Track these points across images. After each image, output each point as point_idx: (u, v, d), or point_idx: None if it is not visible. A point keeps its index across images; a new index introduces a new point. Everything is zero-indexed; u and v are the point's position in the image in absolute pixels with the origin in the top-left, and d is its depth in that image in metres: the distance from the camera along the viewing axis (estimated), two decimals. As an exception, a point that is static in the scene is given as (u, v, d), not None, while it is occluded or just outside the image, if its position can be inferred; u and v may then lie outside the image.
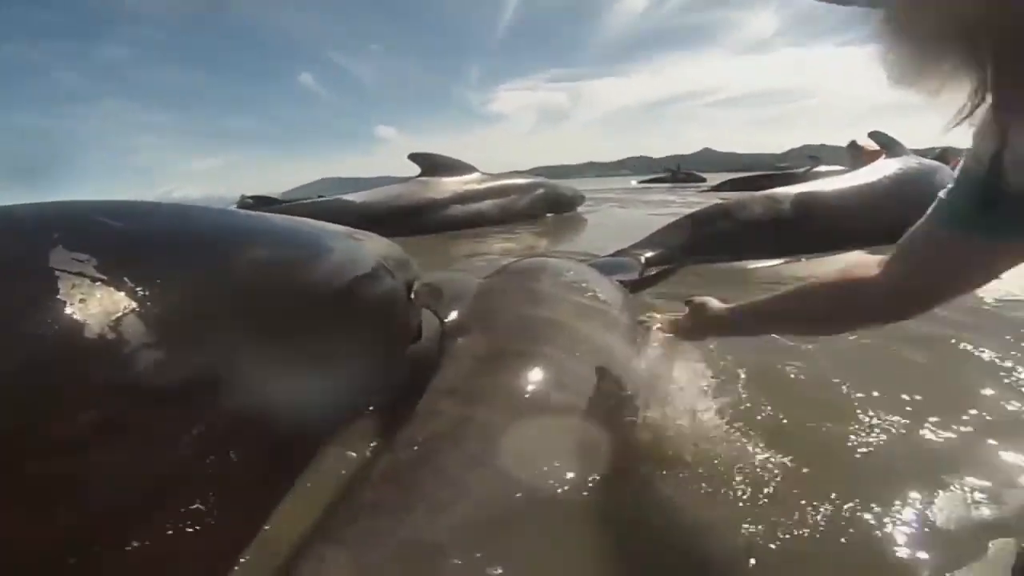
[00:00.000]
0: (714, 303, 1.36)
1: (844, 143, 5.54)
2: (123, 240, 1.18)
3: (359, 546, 0.96)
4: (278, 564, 1.02)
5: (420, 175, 7.47)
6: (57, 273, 0.97)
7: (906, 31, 0.53)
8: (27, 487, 0.83)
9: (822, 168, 10.30)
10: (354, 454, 1.40)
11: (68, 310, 0.93)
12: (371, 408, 1.60)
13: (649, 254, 3.43)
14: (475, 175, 7.52)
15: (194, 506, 1.02)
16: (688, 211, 4.09)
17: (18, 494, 0.82)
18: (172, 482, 1.00)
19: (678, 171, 19.80)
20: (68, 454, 0.87)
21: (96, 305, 0.96)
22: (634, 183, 17.30)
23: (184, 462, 1.02)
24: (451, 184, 7.17)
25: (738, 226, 3.75)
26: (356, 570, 0.93)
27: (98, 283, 1.00)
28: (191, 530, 0.99)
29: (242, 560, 1.07)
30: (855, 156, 5.05)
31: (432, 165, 7.56)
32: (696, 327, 1.41)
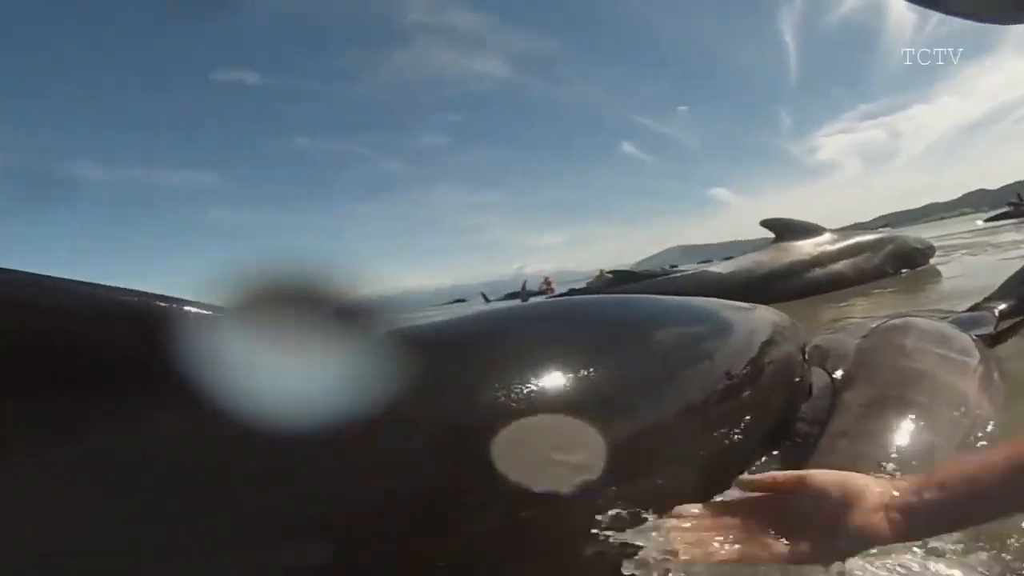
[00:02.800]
0: (874, 490, 0.77)
1: None
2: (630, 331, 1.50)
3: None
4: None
5: (775, 240, 7.91)
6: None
7: None
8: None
9: None
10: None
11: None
12: (776, 453, 1.74)
13: (1002, 306, 3.34)
14: (827, 236, 7.78)
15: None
16: None
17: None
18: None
19: (1021, 203, 17.10)
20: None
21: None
22: (979, 224, 15.42)
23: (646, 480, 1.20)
24: (806, 247, 7.50)
25: None
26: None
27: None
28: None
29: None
30: None
31: (785, 229, 7.97)
32: (827, 541, 0.77)
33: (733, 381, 1.61)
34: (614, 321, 1.62)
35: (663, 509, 1.05)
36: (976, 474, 0.73)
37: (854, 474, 0.82)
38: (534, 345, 1.27)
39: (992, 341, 2.67)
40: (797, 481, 0.83)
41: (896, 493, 0.75)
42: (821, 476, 0.81)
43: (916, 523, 0.74)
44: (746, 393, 1.65)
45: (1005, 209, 17.89)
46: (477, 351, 1.22)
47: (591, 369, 1.23)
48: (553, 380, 1.16)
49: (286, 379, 0.85)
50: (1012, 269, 3.91)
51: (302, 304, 0.92)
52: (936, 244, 8.54)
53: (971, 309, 3.51)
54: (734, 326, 1.85)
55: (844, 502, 0.76)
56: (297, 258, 0.98)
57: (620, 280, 9.11)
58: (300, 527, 0.85)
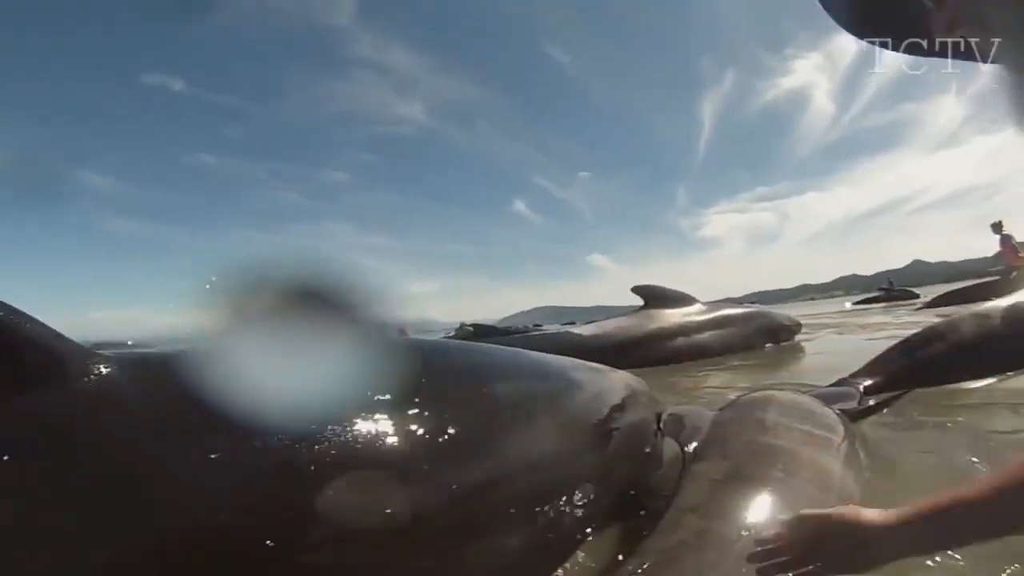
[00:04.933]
0: (867, 514, 0.94)
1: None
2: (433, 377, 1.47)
3: None
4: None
5: (643, 307, 7.76)
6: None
7: None
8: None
9: None
10: (608, 558, 1.57)
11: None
12: (623, 519, 1.76)
13: (868, 382, 3.52)
14: (696, 306, 7.70)
15: None
16: (904, 333, 4.10)
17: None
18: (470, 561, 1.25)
19: (891, 288, 18.85)
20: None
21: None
22: (848, 306, 16.49)
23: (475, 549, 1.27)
24: (674, 316, 7.39)
25: (952, 348, 3.72)
26: None
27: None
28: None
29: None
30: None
31: (654, 296, 7.83)
32: (849, 559, 0.94)
33: (576, 444, 1.62)
34: (458, 367, 1.62)
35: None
36: (965, 495, 0.87)
37: (854, 507, 0.99)
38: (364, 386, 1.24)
39: (856, 416, 2.71)
40: (822, 518, 0.99)
41: (894, 515, 0.91)
42: (836, 512, 0.98)
43: (915, 538, 0.90)
44: (589, 457, 1.66)
45: (876, 294, 19.22)
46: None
47: (415, 417, 1.26)
48: (371, 427, 1.19)
49: None
50: (877, 349, 4.08)
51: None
52: (805, 322, 8.74)
53: (836, 384, 3.63)
54: (584, 386, 1.83)
55: (851, 528, 0.93)
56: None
57: (480, 335, 9.08)
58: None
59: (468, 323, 10.76)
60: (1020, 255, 11.55)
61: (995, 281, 10.16)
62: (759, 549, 1.02)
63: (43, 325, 1.05)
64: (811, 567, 0.94)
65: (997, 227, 11.99)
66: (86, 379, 1.06)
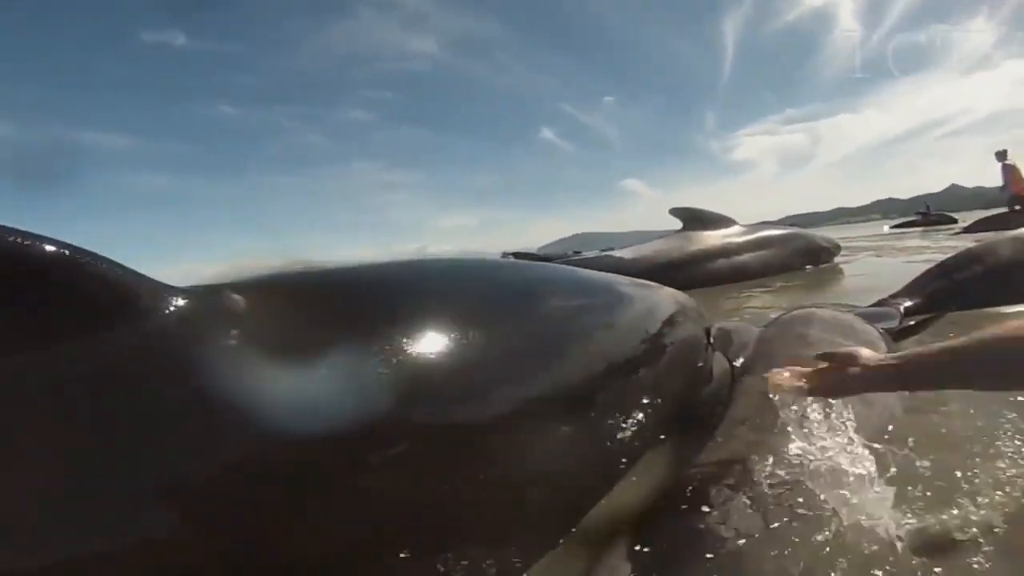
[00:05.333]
0: (866, 353, 1.21)
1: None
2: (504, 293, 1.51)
3: (663, 544, 1.15)
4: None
5: (682, 229, 7.74)
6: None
7: None
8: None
9: None
10: (666, 470, 1.60)
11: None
12: (679, 433, 1.76)
13: (908, 303, 3.57)
14: (735, 228, 7.68)
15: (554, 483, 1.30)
16: (942, 257, 4.12)
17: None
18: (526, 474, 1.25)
19: (928, 212, 18.23)
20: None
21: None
22: (886, 229, 16.09)
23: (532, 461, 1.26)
24: (713, 238, 7.37)
25: (989, 271, 3.72)
26: (657, 561, 1.11)
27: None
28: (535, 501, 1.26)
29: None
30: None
31: (693, 218, 7.79)
32: (846, 380, 1.20)
33: (632, 358, 1.63)
34: (511, 284, 1.62)
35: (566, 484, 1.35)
36: (955, 345, 1.09)
37: (858, 347, 1.27)
38: (426, 303, 1.29)
39: (897, 336, 2.71)
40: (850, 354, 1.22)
41: (881, 357, 1.20)
42: (842, 348, 1.27)
43: (905, 371, 1.13)
44: (645, 371, 1.67)
45: (913, 218, 18.73)
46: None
47: (483, 332, 1.26)
48: (441, 342, 1.19)
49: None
50: (915, 272, 4.10)
51: None
52: (843, 245, 8.67)
53: (876, 304, 3.67)
54: (636, 301, 1.84)
55: (846, 357, 1.21)
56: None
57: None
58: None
59: (509, 252, 10.69)
60: None
61: None
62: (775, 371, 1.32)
63: (112, 262, 0.95)
64: (808, 387, 1.24)
65: (1001, 155, 11.70)
66: (164, 313, 0.98)
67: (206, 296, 1.07)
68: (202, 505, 0.90)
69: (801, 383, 1.25)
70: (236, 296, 1.11)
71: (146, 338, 0.95)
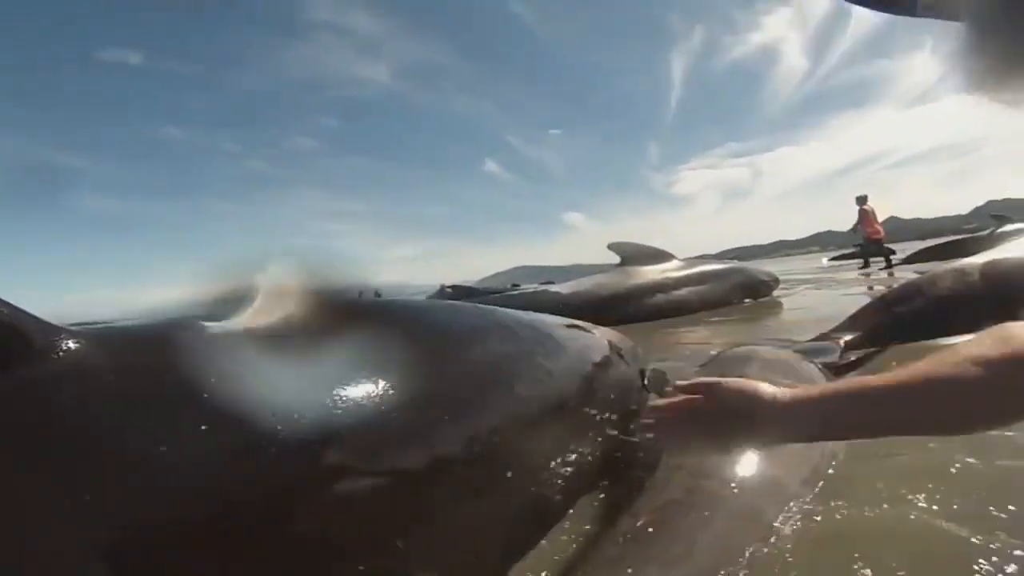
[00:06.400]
0: (763, 387, 0.93)
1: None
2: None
3: None
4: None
5: (620, 264, 7.78)
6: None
7: (989, 41, 0.51)
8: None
9: (1008, 228, 10.36)
10: (599, 519, 1.56)
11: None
12: (612, 479, 1.75)
13: (848, 337, 3.53)
14: (673, 263, 7.71)
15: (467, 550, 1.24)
16: (881, 288, 4.13)
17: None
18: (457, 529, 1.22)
19: (867, 245, 19.08)
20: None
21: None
22: (825, 261, 16.64)
23: (466, 515, 1.24)
24: (652, 273, 7.40)
25: (931, 304, 3.71)
26: None
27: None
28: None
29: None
30: None
31: (631, 254, 7.84)
32: (735, 434, 0.95)
33: (562, 403, 1.61)
34: (436, 327, 1.58)
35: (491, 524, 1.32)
36: (864, 384, 0.85)
37: (751, 381, 0.96)
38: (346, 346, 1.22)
39: (837, 371, 2.69)
40: (709, 385, 0.98)
41: (785, 393, 0.89)
42: (727, 382, 0.96)
43: (808, 420, 0.86)
44: (576, 417, 1.64)
45: (852, 250, 19.36)
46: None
47: (393, 379, 1.20)
48: (359, 387, 1.14)
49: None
50: (855, 304, 4.11)
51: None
52: (782, 278, 8.78)
53: (817, 339, 3.64)
54: (567, 344, 1.81)
55: (745, 403, 0.91)
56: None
57: (460, 296, 8.98)
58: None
59: (447, 285, 10.56)
60: (876, 226, 12.78)
61: (967, 239, 10.56)
62: (651, 410, 1.09)
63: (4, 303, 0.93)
64: (693, 431, 1.00)
65: (861, 200, 12.92)
66: (54, 356, 0.96)
67: (97, 339, 1.04)
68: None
69: (686, 437, 1.04)
70: (127, 342, 1.10)
71: (34, 382, 0.92)
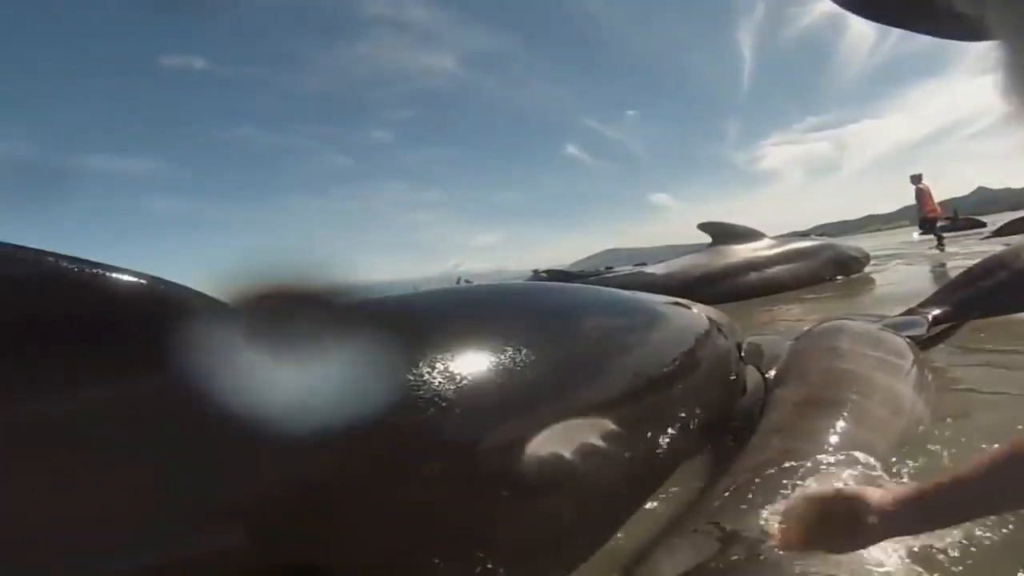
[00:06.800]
0: (869, 492, 0.97)
1: None
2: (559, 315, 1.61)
3: (702, 542, 1.21)
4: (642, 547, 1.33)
5: (711, 244, 7.80)
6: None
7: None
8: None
9: None
10: (702, 479, 1.67)
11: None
12: (715, 442, 1.86)
13: (936, 311, 3.50)
14: (765, 241, 7.74)
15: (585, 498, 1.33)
16: (971, 262, 4.07)
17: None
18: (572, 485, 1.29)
19: (956, 218, 18.04)
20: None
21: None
22: (915, 236, 16.02)
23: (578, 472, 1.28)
24: (743, 252, 7.44)
25: (1016, 276, 3.63)
26: (697, 556, 1.16)
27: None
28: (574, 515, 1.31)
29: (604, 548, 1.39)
30: None
31: (722, 233, 7.86)
32: (860, 535, 0.96)
33: (669, 374, 1.69)
34: (553, 307, 1.67)
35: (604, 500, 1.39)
36: (962, 475, 0.90)
37: (858, 487, 1.09)
38: (472, 326, 1.36)
39: (925, 344, 2.77)
40: (833, 495, 1.05)
41: (894, 495, 0.94)
42: (845, 490, 1.07)
43: (912, 518, 0.93)
44: (682, 387, 1.72)
45: (941, 223, 18.54)
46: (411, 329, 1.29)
47: (525, 353, 1.29)
48: (486, 364, 1.24)
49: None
50: (943, 279, 4.24)
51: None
52: (873, 254, 8.64)
53: (905, 314, 3.62)
54: (671, 320, 1.91)
55: (853, 505, 0.95)
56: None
57: (554, 279, 9.05)
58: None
59: (541, 270, 10.48)
60: (933, 203, 12.25)
61: None
62: (768, 542, 1.09)
63: (138, 274, 0.99)
64: (816, 544, 1.02)
65: (916, 178, 12.28)
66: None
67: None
68: None
69: (806, 541, 1.05)
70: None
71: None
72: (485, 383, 1.21)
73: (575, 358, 1.45)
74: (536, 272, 10.95)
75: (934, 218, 12.34)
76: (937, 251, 10.56)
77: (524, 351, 1.29)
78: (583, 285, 2.29)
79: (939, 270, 6.89)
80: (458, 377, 1.16)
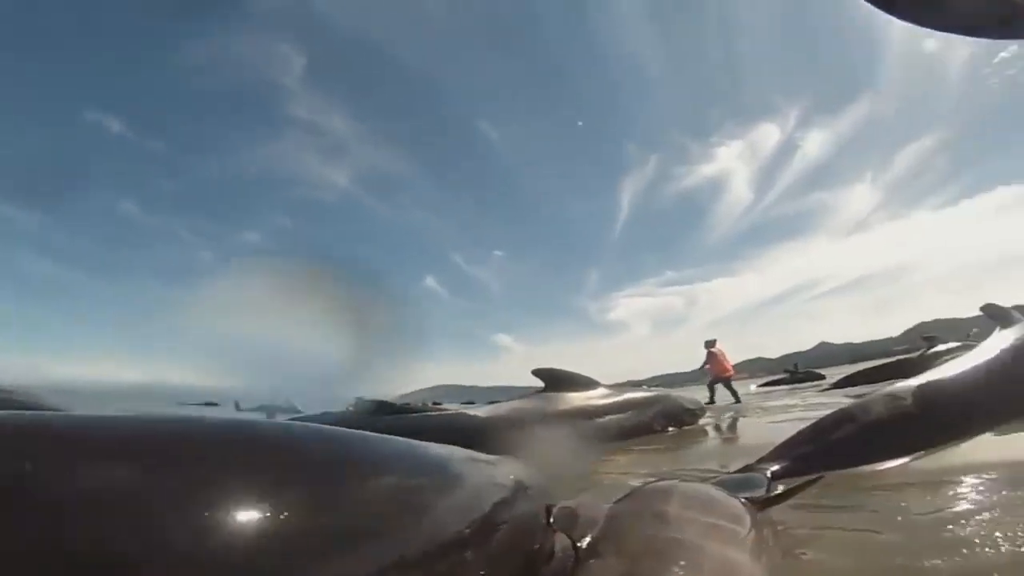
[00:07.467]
0: None
1: (954, 315, 5.55)
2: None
3: None
4: None
5: (543, 389, 7.57)
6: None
7: None
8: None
9: (939, 347, 10.85)
10: None
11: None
12: None
13: (775, 467, 3.37)
14: (597, 390, 7.58)
15: None
16: (810, 414, 4.07)
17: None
18: None
19: (796, 371, 19.38)
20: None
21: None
22: (753, 388, 16.83)
23: None
24: (574, 399, 7.22)
25: (864, 430, 3.65)
26: None
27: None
28: None
29: None
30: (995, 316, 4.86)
31: (555, 379, 7.66)
32: None
33: (453, 541, 1.52)
34: (331, 459, 1.52)
35: None
36: None
37: None
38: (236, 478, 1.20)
39: (764, 504, 2.61)
40: None
41: None
42: None
43: None
44: (467, 556, 1.55)
45: (780, 376, 19.58)
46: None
47: (279, 511, 1.16)
48: (236, 521, 1.10)
49: None
50: (784, 432, 3.93)
51: None
52: (708, 406, 8.86)
53: (742, 470, 3.50)
54: (463, 478, 1.78)
55: None
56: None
57: (378, 410, 8.38)
58: None
59: (367, 398, 10.11)
60: (726, 364, 13.38)
61: (898, 361, 10.93)
62: None
63: None
64: None
65: (710, 343, 13.53)
66: None
67: None
68: None
69: None
70: None
71: None
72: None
73: (339, 519, 1.29)
74: (359, 400, 10.29)
75: (728, 377, 13.30)
76: (728, 403, 11.52)
77: (280, 510, 1.15)
78: (361, 433, 1.74)
79: (775, 424, 6.88)
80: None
